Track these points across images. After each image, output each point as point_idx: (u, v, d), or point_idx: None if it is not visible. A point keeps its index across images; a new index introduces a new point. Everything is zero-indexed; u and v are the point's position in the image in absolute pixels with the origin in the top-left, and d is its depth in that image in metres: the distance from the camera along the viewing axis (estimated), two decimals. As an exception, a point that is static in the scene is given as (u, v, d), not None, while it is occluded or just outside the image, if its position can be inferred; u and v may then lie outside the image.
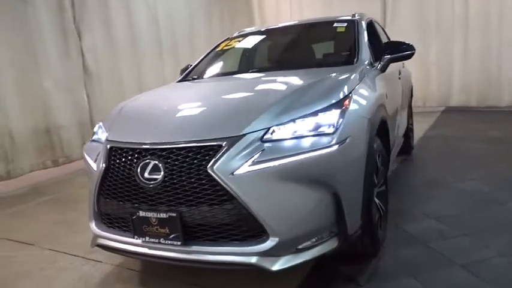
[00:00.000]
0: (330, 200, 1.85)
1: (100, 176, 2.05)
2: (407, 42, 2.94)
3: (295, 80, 2.41)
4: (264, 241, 1.76)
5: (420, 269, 2.19)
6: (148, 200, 1.89)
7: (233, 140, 1.80)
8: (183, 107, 2.28)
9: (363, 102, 2.14)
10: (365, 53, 2.78)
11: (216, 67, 3.29)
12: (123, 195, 1.97)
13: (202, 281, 2.23)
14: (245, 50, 3.47)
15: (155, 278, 2.36)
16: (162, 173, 1.84)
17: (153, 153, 1.89)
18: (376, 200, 2.41)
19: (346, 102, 2.01)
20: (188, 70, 3.39)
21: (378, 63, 2.85)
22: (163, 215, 1.85)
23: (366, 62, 2.70)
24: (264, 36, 3.56)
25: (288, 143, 1.83)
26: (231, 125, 1.87)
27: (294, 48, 3.34)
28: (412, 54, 2.93)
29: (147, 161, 1.88)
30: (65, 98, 5.50)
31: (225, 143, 1.79)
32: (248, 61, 3.34)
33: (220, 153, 1.77)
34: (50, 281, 2.43)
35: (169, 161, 1.84)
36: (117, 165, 2.00)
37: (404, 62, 4.83)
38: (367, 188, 2.06)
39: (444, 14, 7.92)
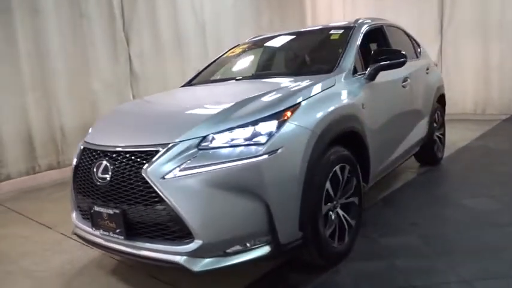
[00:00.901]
0: (261, 208, 1.90)
1: (72, 172, 2.33)
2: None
3: (258, 89, 2.47)
4: (190, 242, 1.88)
5: (371, 286, 2.14)
6: (101, 197, 2.11)
7: (169, 146, 1.93)
8: (145, 114, 2.49)
9: (314, 113, 2.15)
10: (348, 61, 2.74)
11: (210, 74, 3.45)
12: (85, 191, 2.22)
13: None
14: (239, 58, 3.57)
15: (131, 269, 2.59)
16: (109, 173, 2.04)
17: (106, 154, 2.11)
18: (340, 212, 2.39)
19: (288, 113, 2.04)
20: (194, 75, 3.59)
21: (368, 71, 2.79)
22: (110, 211, 2.05)
23: (347, 71, 2.67)
24: (264, 44, 3.63)
25: (221, 151, 1.92)
26: (169, 132, 2.01)
27: (284, 56, 3.38)
28: (403, 62, 2.81)
29: (100, 161, 2.10)
30: (112, 98, 6.04)
31: (160, 148, 1.94)
32: (236, 69, 3.44)
33: (155, 158, 1.92)
34: (43, 261, 2.77)
35: (115, 162, 2.04)
36: (83, 163, 2.25)
37: (436, 66, 4.59)
38: (309, 199, 2.07)
39: (508, 15, 7.21)
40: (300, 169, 2.00)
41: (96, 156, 2.16)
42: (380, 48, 2.79)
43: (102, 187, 2.08)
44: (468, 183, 3.75)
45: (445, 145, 4.66)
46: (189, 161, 1.89)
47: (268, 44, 3.58)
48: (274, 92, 2.24)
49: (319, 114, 2.16)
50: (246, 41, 3.87)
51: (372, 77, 2.79)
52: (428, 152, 4.24)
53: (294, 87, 2.32)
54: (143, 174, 1.90)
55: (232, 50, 3.74)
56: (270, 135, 1.94)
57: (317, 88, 2.33)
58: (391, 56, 2.79)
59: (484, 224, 2.80)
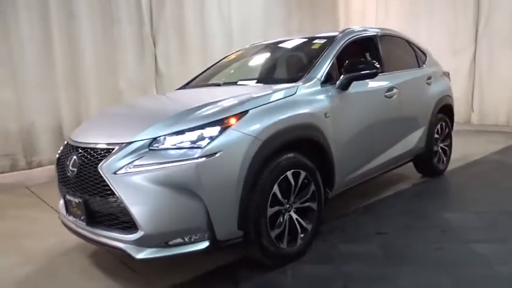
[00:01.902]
0: (199, 206, 2.09)
1: (55, 163, 2.65)
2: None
3: (224, 94, 2.65)
4: (135, 232, 2.11)
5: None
6: (71, 187, 2.40)
7: (122, 145, 2.18)
8: (120, 116, 2.76)
9: (261, 121, 2.29)
10: (318, 71, 2.84)
11: (204, 78, 3.66)
12: (62, 181, 2.52)
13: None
14: (231, 64, 3.75)
15: (107, 254, 2.88)
16: (77, 166, 2.33)
17: (76, 149, 2.39)
18: (294, 215, 2.52)
19: (232, 120, 2.21)
20: (190, 79, 3.84)
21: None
22: (77, 200, 2.34)
23: (314, 80, 2.77)
24: (255, 51, 3.79)
25: (168, 152, 2.14)
26: (127, 132, 2.25)
27: (267, 64, 3.52)
28: (374, 73, 2.86)
29: (72, 155, 2.40)
30: (137, 95, 6.48)
31: (116, 147, 2.19)
32: (224, 74, 3.62)
33: (109, 156, 2.17)
34: (39, 241, 3.13)
35: (81, 157, 2.32)
36: (62, 156, 2.56)
37: (446, 75, 4.51)
38: (251, 201, 2.23)
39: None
40: (239, 172, 2.16)
41: (71, 150, 2.46)
42: (352, 59, 2.85)
43: (71, 178, 2.37)
44: (460, 197, 3.69)
45: (450, 157, 4.55)
46: (138, 160, 2.12)
47: (258, 51, 3.75)
48: (230, 99, 2.42)
49: (267, 122, 2.30)
50: (246, 47, 4.06)
51: (343, 86, 2.86)
52: (426, 163, 4.18)
53: (249, 95, 2.47)
54: (99, 169, 2.16)
55: (228, 56, 3.95)
56: (211, 139, 2.12)
57: (274, 96, 2.47)
58: (364, 67, 2.85)
59: (452, 239, 2.78)
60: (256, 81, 3.14)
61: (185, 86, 3.68)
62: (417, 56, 4.22)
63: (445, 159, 4.42)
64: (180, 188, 2.06)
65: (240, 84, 3.17)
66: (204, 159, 2.07)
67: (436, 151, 4.25)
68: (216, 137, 2.13)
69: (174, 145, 2.15)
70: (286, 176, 2.42)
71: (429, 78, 4.12)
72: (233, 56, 3.90)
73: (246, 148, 2.18)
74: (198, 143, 2.12)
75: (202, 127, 2.18)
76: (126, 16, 6.27)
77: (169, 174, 2.06)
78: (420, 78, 3.99)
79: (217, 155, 2.10)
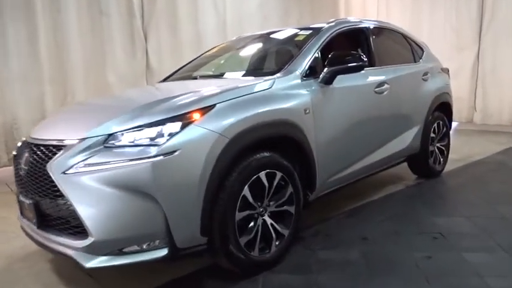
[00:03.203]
0: (156, 210, 1.89)
1: (12, 161, 2.45)
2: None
3: (193, 88, 2.44)
4: (84, 238, 1.90)
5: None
6: (23, 187, 2.20)
7: (75, 142, 1.97)
8: (82, 108, 2.55)
9: (229, 116, 2.07)
10: (299, 64, 2.62)
11: (185, 71, 3.45)
12: (16, 180, 2.32)
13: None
14: (213, 57, 3.54)
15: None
16: (28, 164, 2.13)
17: (29, 146, 2.19)
18: (268, 220, 2.31)
19: (196, 115, 1.99)
20: (172, 72, 3.63)
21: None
22: (28, 201, 2.14)
23: (294, 74, 2.55)
24: (239, 43, 3.58)
25: (124, 150, 1.93)
26: (81, 128, 2.05)
27: (248, 57, 3.30)
28: (360, 66, 2.64)
29: (24, 153, 2.20)
30: (127, 91, 6.30)
31: (66, 144, 1.98)
32: (204, 67, 3.40)
33: (59, 154, 1.96)
34: (3, 243, 2.94)
35: (32, 155, 2.12)
36: (18, 154, 2.36)
37: (446, 72, 4.28)
38: (216, 205, 2.02)
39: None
40: (201, 173, 1.95)
41: (24, 147, 2.26)
42: (336, 51, 2.63)
43: (23, 177, 2.18)
44: (455, 200, 3.45)
45: (447, 157, 4.31)
46: (90, 158, 1.91)
47: (243, 43, 3.53)
48: (197, 93, 2.21)
49: (235, 118, 2.08)
50: (232, 39, 3.85)
51: (327, 80, 2.64)
52: (422, 163, 3.95)
53: (220, 88, 2.26)
54: (46, 168, 1.96)
55: (213, 49, 3.74)
56: (171, 136, 1.91)
57: (246, 90, 2.26)
58: (349, 60, 2.63)
59: (443, 247, 2.56)
60: (234, 74, 2.92)
61: (166, 79, 3.48)
62: (413, 50, 3.98)
63: (441, 159, 4.18)
64: (135, 190, 1.86)
65: (217, 78, 2.96)
66: (161, 157, 1.86)
67: (432, 151, 4.01)
68: (176, 133, 1.92)
69: (132, 142, 1.94)
70: (259, 177, 2.20)
71: (425, 74, 3.88)
72: (217, 49, 3.69)
73: (209, 146, 1.97)
74: (156, 140, 1.92)
75: (162, 122, 1.97)
76: (115, 9, 6.05)
77: (123, 174, 1.85)
78: (415, 74, 3.75)
79: (176, 153, 1.88)
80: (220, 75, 3.07)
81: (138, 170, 1.84)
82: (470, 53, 7.32)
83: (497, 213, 3.09)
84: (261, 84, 2.36)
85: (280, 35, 3.38)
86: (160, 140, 1.90)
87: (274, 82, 2.41)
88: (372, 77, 3.13)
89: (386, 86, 3.21)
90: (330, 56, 2.64)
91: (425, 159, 3.92)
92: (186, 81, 3.11)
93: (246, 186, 2.14)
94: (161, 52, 6.62)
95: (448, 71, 4.50)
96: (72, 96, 5.74)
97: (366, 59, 2.67)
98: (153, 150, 1.87)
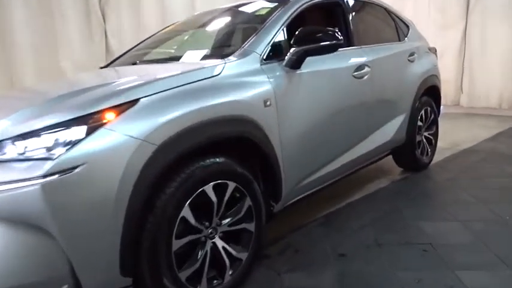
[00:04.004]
0: (53, 247, 1.38)
1: None
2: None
3: (123, 76, 1.92)
4: (-42, 287, 1.39)
5: None
6: None
7: None
8: None
9: (156, 115, 1.55)
10: (258, 43, 2.11)
11: (132, 54, 2.89)
12: None
13: None
14: (162, 37, 2.98)
15: None
16: None
17: None
18: (219, 243, 1.83)
19: (109, 115, 1.47)
20: (117, 56, 3.07)
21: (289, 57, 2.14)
22: None
23: (252, 56, 2.04)
24: (194, 21, 3.03)
25: (10, 165, 1.40)
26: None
27: (199, 38, 2.76)
28: (334, 46, 2.14)
29: None
30: (85, 79, 5.68)
31: None
32: (150, 50, 2.85)
33: None
34: None
35: None
36: None
37: (433, 52, 3.83)
38: (142, 234, 1.53)
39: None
40: (116, 194, 1.44)
41: None
42: (305, 27, 2.13)
43: None
44: (446, 199, 3.02)
45: (436, 147, 3.89)
46: (-38, 178, 1.38)
47: (200, 20, 2.97)
48: (113, 84, 1.68)
49: (166, 117, 1.56)
50: (189, 16, 3.29)
51: (293, 64, 2.14)
52: (408, 156, 3.51)
53: (149, 77, 1.73)
54: None
55: (166, 28, 3.18)
56: (71, 145, 1.39)
57: (183, 79, 1.73)
58: (321, 37, 2.13)
59: (435, 263, 2.13)
60: (185, 57, 2.38)
61: (108, 65, 2.92)
62: (398, 27, 3.49)
63: (429, 150, 3.75)
64: (22, 222, 1.35)
65: (162, 62, 2.43)
66: (55, 177, 1.34)
67: (419, 141, 3.57)
68: (79, 141, 1.40)
69: (22, 154, 1.42)
70: (204, 192, 1.71)
71: (412, 54, 3.40)
72: (172, 28, 3.13)
73: (128, 157, 1.45)
74: (52, 151, 1.39)
75: (63, 126, 1.44)
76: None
77: (3, 201, 1.34)
78: (400, 54, 3.27)
79: (78, 169, 1.37)
80: (167, 60, 2.53)
81: (23, 196, 1.33)
82: (456, 32, 6.88)
83: (495, 215, 2.68)
84: (205, 70, 1.84)
85: (245, 9, 2.83)
86: (56, 152, 1.39)
87: (223, 67, 1.89)
88: (350, 58, 2.64)
89: (367, 69, 2.72)
90: (297, 33, 2.13)
91: (411, 151, 3.49)
92: (124, 67, 2.56)
93: (187, 205, 1.65)
94: (122, 34, 5.98)
95: (436, 50, 4.04)
96: (20, 83, 5.12)
97: (341, 37, 2.16)
98: (45, 167, 1.35)
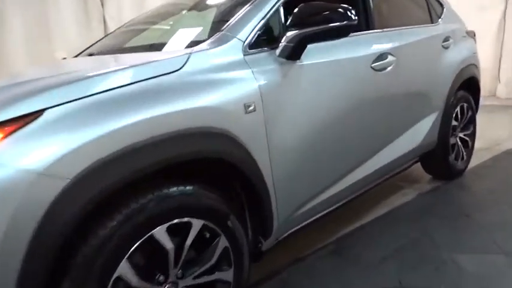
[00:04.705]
0: None
1: None
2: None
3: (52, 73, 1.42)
4: None
5: None
6: None
7: None
8: None
9: (78, 134, 1.05)
10: (241, 26, 1.57)
11: (94, 47, 2.38)
12: None
13: None
14: (141, 24, 2.46)
15: None
16: None
17: None
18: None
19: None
20: (92, 44, 2.58)
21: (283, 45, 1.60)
22: None
23: (233, 43, 1.51)
24: (170, 6, 2.48)
25: None
26: None
27: (175, 23, 2.20)
28: (346, 28, 1.59)
29: None
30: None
31: None
32: (124, 38, 2.31)
33: None
34: None
35: None
36: None
37: (471, 36, 3.21)
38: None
39: None
40: (2, 253, 0.96)
41: None
42: (307, 3, 1.57)
43: None
44: (487, 220, 2.43)
45: (473, 150, 3.27)
46: None
47: (178, 5, 2.42)
48: (19, 86, 1.19)
49: (85, 136, 1.05)
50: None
51: (290, 53, 1.59)
52: (440, 161, 2.92)
53: (71, 75, 1.23)
54: None
55: (143, 15, 2.67)
56: None
57: (124, 76, 1.22)
58: (328, 17, 1.57)
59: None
60: (147, 48, 1.87)
61: (79, 54, 2.44)
62: (430, 6, 2.87)
63: (465, 154, 3.14)
64: None
65: (124, 52, 1.92)
66: None
67: (453, 144, 2.97)
68: None
69: None
70: (153, 237, 1.21)
71: (446, 39, 2.78)
72: (148, 14, 2.62)
73: (17, 202, 0.96)
74: None
75: None
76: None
77: None
78: (433, 40, 2.66)
79: None
80: (132, 49, 2.02)
81: None
82: (495, 13, 6.10)
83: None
84: (157, 65, 1.31)
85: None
86: None
87: (187, 60, 1.36)
88: (368, 45, 2.07)
89: (390, 58, 2.13)
90: (295, 11, 1.58)
91: (444, 157, 2.89)
92: (75, 59, 2.07)
93: (125, 260, 1.15)
94: (122, 19, 5.52)
95: (474, 34, 3.39)
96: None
97: (355, 17, 1.60)
98: None
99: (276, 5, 1.69)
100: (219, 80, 1.39)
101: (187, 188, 1.31)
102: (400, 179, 3.08)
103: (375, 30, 2.19)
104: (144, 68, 1.27)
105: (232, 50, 1.49)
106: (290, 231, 1.76)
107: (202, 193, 1.34)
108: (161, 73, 1.27)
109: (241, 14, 1.61)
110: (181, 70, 1.32)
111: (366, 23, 2.17)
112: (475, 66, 3.12)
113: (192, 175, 1.37)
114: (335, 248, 2.19)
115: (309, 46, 1.63)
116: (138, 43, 2.09)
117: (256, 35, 1.58)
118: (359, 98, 1.95)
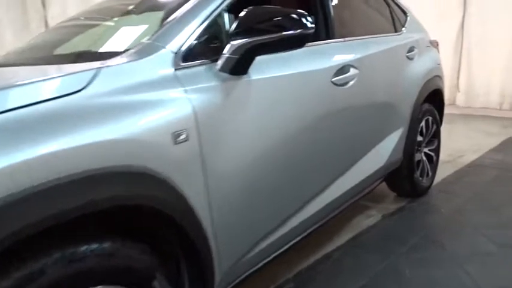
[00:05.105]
0: None
1: None
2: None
3: None
4: None
5: None
6: None
7: None
8: None
9: None
10: (171, 34, 1.26)
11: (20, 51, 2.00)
12: None
13: None
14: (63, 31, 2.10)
15: None
16: None
17: None
18: None
19: None
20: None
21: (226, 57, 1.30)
22: None
23: (161, 54, 1.20)
24: (95, 12, 2.13)
25: None
26: None
27: (98, 31, 1.86)
28: (301, 37, 1.32)
29: None
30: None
31: None
32: (31, 50, 1.96)
33: None
34: None
35: None
36: None
37: (434, 46, 3.07)
38: None
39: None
40: None
41: None
42: (254, 7, 1.30)
43: None
44: (457, 247, 2.25)
45: (437, 165, 3.12)
46: None
47: (98, 12, 2.08)
48: None
49: None
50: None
51: (234, 67, 1.30)
52: (405, 179, 2.74)
53: None
54: None
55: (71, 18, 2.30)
56: None
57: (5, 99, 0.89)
58: (280, 23, 1.30)
59: None
60: (64, 59, 1.53)
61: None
62: (393, 14, 2.68)
63: (430, 170, 2.98)
64: None
65: (31, 64, 1.56)
66: None
67: (418, 161, 2.80)
68: None
69: None
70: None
71: (411, 50, 2.61)
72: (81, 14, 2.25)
73: None
74: None
75: None
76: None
77: None
78: (397, 50, 2.47)
79: None
80: (43, 59, 1.65)
81: None
82: (453, 22, 6.11)
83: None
84: (54, 83, 0.99)
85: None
86: None
87: (94, 76, 1.04)
88: (328, 57, 1.82)
89: (353, 71, 1.90)
90: (240, 16, 1.30)
91: (409, 174, 2.71)
92: None
93: None
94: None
95: (438, 44, 3.26)
96: None
97: (312, 24, 1.34)
98: None
99: (219, 9, 1.41)
100: (139, 103, 1.08)
101: (101, 245, 0.99)
102: (364, 204, 2.86)
103: (336, 40, 1.96)
104: (30, 89, 0.94)
105: (159, 63, 1.19)
106: (237, 280, 1.46)
107: (121, 251, 1.03)
108: (54, 96, 0.94)
109: (175, 19, 1.31)
110: (83, 91, 1.00)
111: (325, 32, 1.93)
112: (440, 77, 2.98)
113: (110, 225, 1.06)
114: (295, 286, 1.92)
115: (258, 58, 1.36)
116: (56, 52, 1.73)
117: (192, 45, 1.28)
118: (318, 118, 1.69)
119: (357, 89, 1.93)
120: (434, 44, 3.15)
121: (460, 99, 6.21)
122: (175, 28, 1.28)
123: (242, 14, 1.31)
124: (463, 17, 6.03)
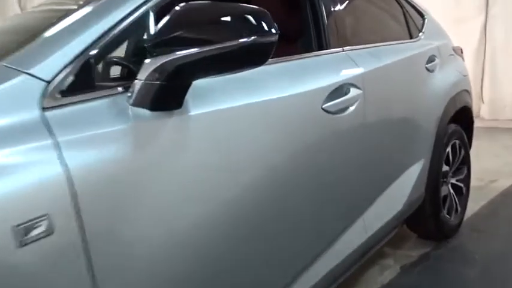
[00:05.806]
0: None
1: None
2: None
3: None
4: None
5: None
6: None
7: None
8: None
9: None
10: (39, 57, 0.78)
11: None
12: None
13: None
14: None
15: None
16: None
17: None
18: None
19: None
20: None
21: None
22: None
23: (19, 85, 0.72)
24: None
25: None
26: None
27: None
28: (263, 47, 0.82)
29: None
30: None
31: None
32: None
33: None
34: None
35: None
36: None
37: (459, 54, 2.56)
38: None
39: None
40: None
41: None
42: (186, 4, 0.83)
43: None
44: None
45: (467, 198, 2.56)
46: None
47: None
48: None
49: None
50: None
51: (157, 98, 0.81)
52: (428, 220, 2.19)
53: None
54: None
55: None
56: None
57: None
58: (226, 29, 0.81)
59: None
60: None
61: None
62: (407, 17, 2.17)
63: (458, 205, 2.42)
64: None
65: None
66: None
67: (445, 196, 2.25)
68: None
69: None
70: None
71: (431, 60, 2.08)
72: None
73: None
74: None
75: None
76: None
77: None
78: (414, 61, 1.95)
79: None
80: None
81: None
82: (474, 26, 5.55)
83: None
84: None
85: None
86: None
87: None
88: (318, 74, 1.32)
89: (353, 92, 1.38)
90: (166, 18, 0.81)
91: (434, 212, 2.17)
92: None
93: None
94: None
95: (462, 51, 2.74)
96: None
97: (275, 29, 0.84)
98: None
99: (133, 16, 0.92)
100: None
101: None
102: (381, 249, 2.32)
103: (331, 50, 1.45)
104: None
105: (12, 100, 0.70)
106: None
107: None
108: None
109: (56, 28, 0.83)
110: None
111: (316, 40, 1.43)
112: (467, 92, 2.45)
113: None
114: None
115: (199, 82, 0.87)
116: None
117: (80, 67, 0.79)
118: (304, 166, 1.18)
119: (360, 117, 1.41)
120: (459, 52, 2.63)
121: (485, 111, 5.63)
122: (53, 41, 0.80)
123: (169, 15, 0.82)
124: (485, 19, 5.49)
